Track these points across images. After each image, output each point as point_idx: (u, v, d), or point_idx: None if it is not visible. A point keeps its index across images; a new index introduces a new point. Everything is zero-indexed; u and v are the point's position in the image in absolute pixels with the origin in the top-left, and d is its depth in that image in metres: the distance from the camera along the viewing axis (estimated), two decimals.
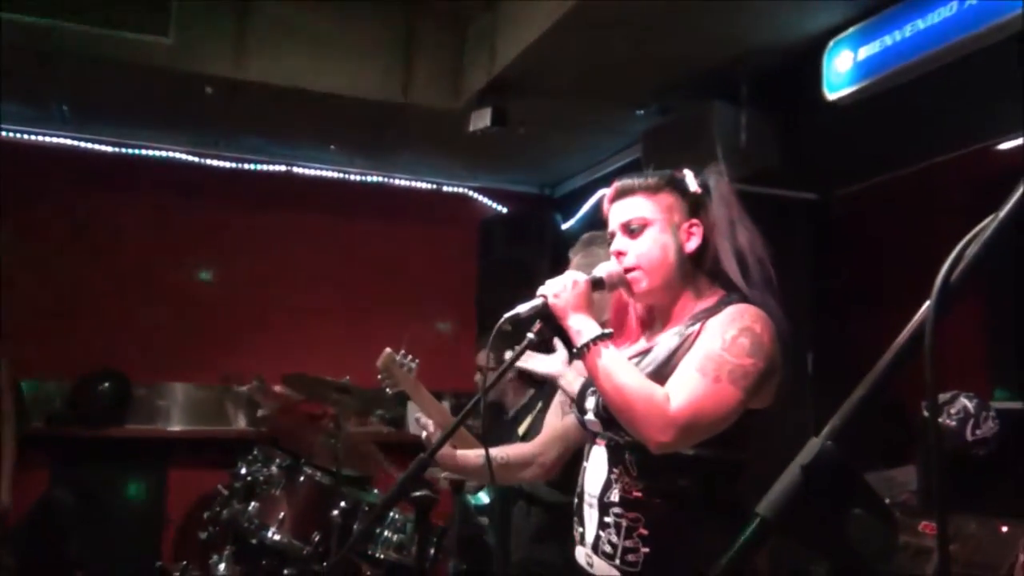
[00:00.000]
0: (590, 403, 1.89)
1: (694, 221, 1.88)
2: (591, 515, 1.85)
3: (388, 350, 2.90)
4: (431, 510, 3.11)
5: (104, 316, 5.21)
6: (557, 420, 2.55)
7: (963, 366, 3.46)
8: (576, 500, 1.93)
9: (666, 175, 1.91)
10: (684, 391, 1.67)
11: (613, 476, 1.81)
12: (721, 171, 1.92)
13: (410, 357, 2.93)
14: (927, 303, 0.84)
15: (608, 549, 1.79)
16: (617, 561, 1.78)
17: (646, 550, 1.75)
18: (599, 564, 1.81)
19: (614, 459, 1.83)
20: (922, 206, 3.88)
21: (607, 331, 1.77)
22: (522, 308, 1.79)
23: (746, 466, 1.80)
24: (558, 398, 2.59)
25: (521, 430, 3.02)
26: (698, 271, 1.88)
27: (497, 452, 2.48)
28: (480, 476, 2.68)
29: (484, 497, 3.57)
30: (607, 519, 1.80)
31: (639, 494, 1.77)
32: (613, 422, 1.77)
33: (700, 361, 1.71)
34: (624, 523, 1.78)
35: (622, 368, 1.72)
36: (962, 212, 3.55)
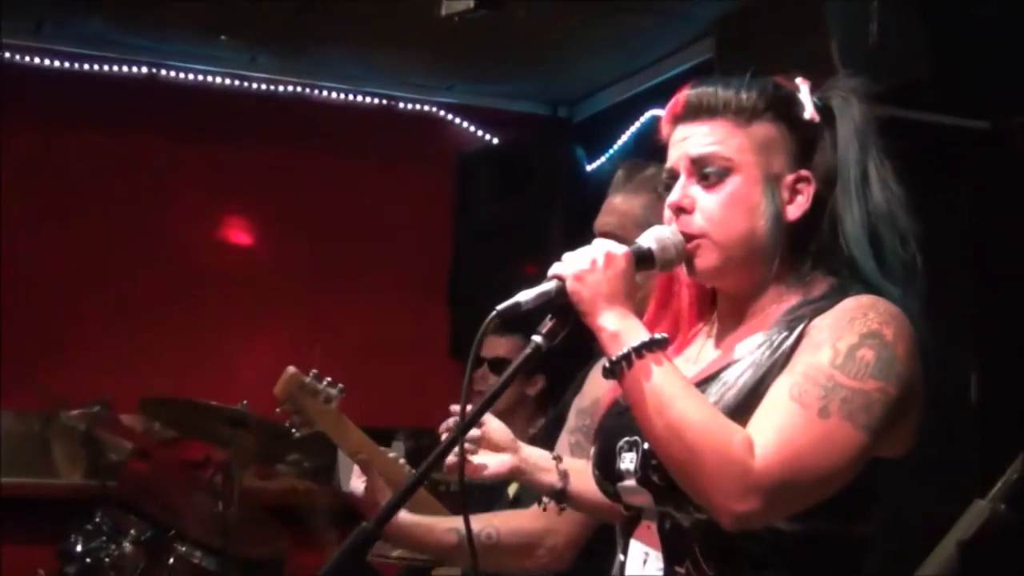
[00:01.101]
0: (628, 460, 1.85)
1: (803, 173, 1.87)
2: None
3: (292, 369, 2.87)
4: None
5: None
6: None
7: None
8: None
9: (768, 89, 1.88)
10: (774, 432, 1.66)
11: None
12: (854, 86, 1.91)
13: (328, 380, 2.90)
14: None
15: None
16: None
17: None
18: None
19: (676, 551, 1.81)
20: None
21: (660, 336, 1.74)
22: (525, 296, 1.76)
23: (872, 545, 1.81)
24: (567, 437, 2.59)
25: (512, 489, 3.04)
26: (800, 249, 1.88)
27: (481, 525, 2.49)
28: (452, 560, 2.69)
29: None
30: None
31: None
32: (673, 490, 1.74)
33: (799, 384, 1.69)
34: None
35: (683, 396, 1.69)
36: None
